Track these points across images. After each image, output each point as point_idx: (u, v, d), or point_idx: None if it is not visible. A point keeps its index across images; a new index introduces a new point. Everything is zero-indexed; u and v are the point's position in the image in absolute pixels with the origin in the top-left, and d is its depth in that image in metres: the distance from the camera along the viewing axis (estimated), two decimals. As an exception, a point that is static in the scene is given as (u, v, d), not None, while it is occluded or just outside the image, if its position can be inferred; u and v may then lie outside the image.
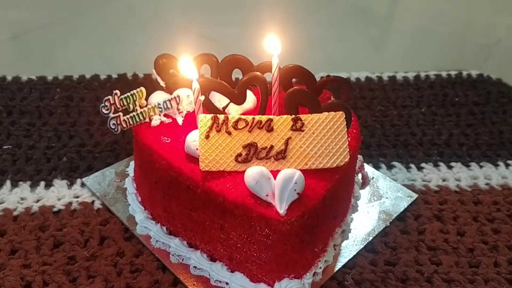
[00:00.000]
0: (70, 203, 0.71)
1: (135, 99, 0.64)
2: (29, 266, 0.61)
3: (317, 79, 0.68)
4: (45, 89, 0.91)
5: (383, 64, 1.36)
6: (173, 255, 0.63)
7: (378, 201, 0.73)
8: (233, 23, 1.56)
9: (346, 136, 0.59)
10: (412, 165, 0.82)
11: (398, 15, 1.76)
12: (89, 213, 0.69)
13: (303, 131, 0.59)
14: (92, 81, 0.94)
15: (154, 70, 0.68)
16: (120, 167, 0.76)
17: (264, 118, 0.59)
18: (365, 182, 0.76)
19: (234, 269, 0.60)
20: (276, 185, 0.54)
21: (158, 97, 0.66)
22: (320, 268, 0.61)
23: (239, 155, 0.57)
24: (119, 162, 0.77)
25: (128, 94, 0.64)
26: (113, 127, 0.65)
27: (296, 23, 1.56)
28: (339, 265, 0.63)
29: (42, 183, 0.73)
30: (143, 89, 0.64)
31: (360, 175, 0.76)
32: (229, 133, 0.58)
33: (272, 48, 0.62)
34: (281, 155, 0.58)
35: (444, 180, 0.79)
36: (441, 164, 0.82)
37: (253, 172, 0.54)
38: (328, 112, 0.60)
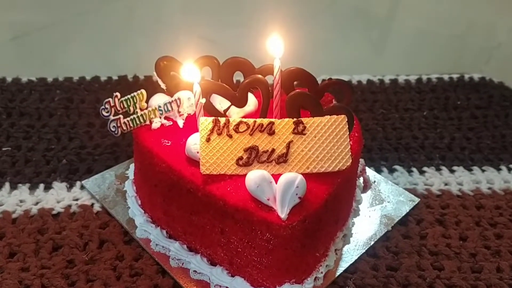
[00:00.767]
0: (70, 206, 0.70)
1: (135, 101, 0.64)
2: (27, 269, 0.61)
3: (319, 81, 0.67)
4: (45, 90, 0.91)
5: (383, 65, 1.35)
6: (173, 259, 0.62)
7: (379, 205, 0.73)
8: (233, 25, 1.56)
9: (348, 139, 0.59)
10: (414, 169, 0.81)
11: (398, 17, 1.76)
12: (89, 216, 0.68)
13: (304, 134, 0.59)
14: (92, 82, 0.93)
15: (154, 72, 0.67)
16: (120, 170, 0.76)
17: (265, 121, 0.59)
18: (366, 185, 0.76)
19: (234, 273, 0.59)
20: (278, 189, 0.53)
21: (159, 99, 0.66)
22: (321, 272, 0.60)
23: (240, 158, 0.57)
24: (119, 164, 0.77)
25: (129, 96, 0.64)
26: (113, 129, 0.64)
27: (296, 25, 1.55)
28: (340, 269, 0.63)
29: (42, 186, 0.73)
30: (143, 91, 0.64)
31: (361, 179, 0.75)
32: (230, 136, 0.58)
33: (275, 50, 0.61)
34: (283, 159, 0.57)
35: (446, 184, 0.79)
36: (443, 168, 0.82)
37: (254, 176, 0.54)
38: (330, 115, 0.60)
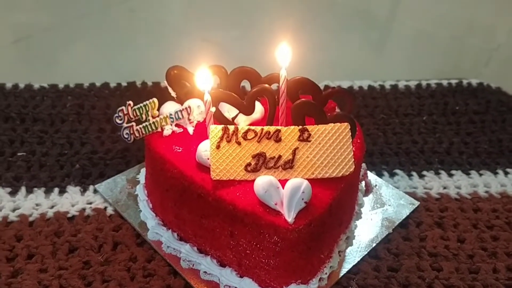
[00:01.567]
0: (84, 209, 0.73)
1: (147, 109, 0.67)
2: (45, 270, 0.64)
3: (322, 87, 0.70)
4: (57, 97, 0.94)
5: (383, 68, 1.38)
6: (183, 260, 0.65)
7: (381, 208, 0.76)
8: (237, 27, 1.58)
9: (351, 146, 0.62)
10: (414, 173, 0.84)
11: (398, 18, 1.78)
12: (102, 219, 0.71)
13: (309, 141, 0.62)
14: (102, 89, 0.96)
15: (165, 81, 0.70)
16: (131, 174, 0.79)
17: (272, 128, 0.62)
18: (368, 189, 0.79)
19: (243, 274, 0.62)
20: (285, 194, 0.56)
21: (170, 107, 0.68)
22: (326, 273, 0.63)
23: (249, 164, 0.60)
24: (130, 169, 0.80)
25: (141, 104, 0.67)
26: (126, 136, 0.67)
27: (300, 28, 1.58)
28: (343, 270, 0.66)
29: (56, 190, 0.76)
30: (155, 100, 0.67)
31: (363, 183, 0.78)
32: (239, 143, 0.61)
33: (282, 60, 0.64)
34: (289, 165, 0.60)
35: (444, 188, 0.82)
36: (442, 172, 0.85)
37: (262, 182, 0.57)
38: (333, 123, 0.63)
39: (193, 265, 0.65)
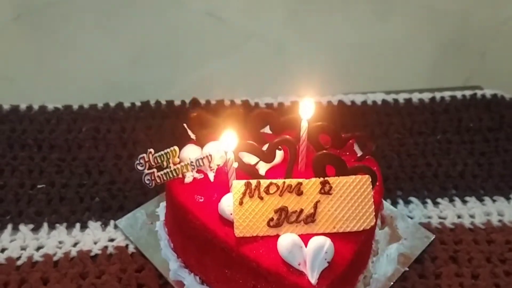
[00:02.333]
0: (106, 247, 0.74)
1: (168, 157, 0.67)
2: (73, 316, 0.66)
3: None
4: (72, 120, 0.93)
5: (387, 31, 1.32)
6: (207, 303, 0.68)
7: (396, 243, 0.77)
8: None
9: (372, 200, 0.62)
10: (429, 200, 0.85)
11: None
12: (125, 259, 0.73)
13: (331, 194, 0.62)
14: (116, 110, 0.96)
15: (185, 124, 0.71)
16: (150, 208, 0.80)
17: (294, 182, 0.62)
18: (384, 222, 0.80)
19: (265, 321, 0.64)
20: (308, 254, 0.58)
21: (190, 152, 0.69)
22: (345, 318, 0.66)
23: (271, 219, 0.61)
24: (149, 202, 0.81)
25: (162, 152, 0.67)
26: (147, 182, 0.68)
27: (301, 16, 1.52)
28: (361, 312, 0.68)
29: (78, 225, 0.77)
30: (176, 148, 0.67)
31: (379, 216, 0.79)
32: (261, 198, 0.61)
33: (305, 113, 0.65)
34: (311, 219, 0.61)
35: (459, 217, 0.83)
36: (456, 199, 0.86)
37: (286, 243, 0.58)
38: (354, 175, 0.63)
39: (216, 308, 0.67)
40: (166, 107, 0.98)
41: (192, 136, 0.71)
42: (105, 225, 0.78)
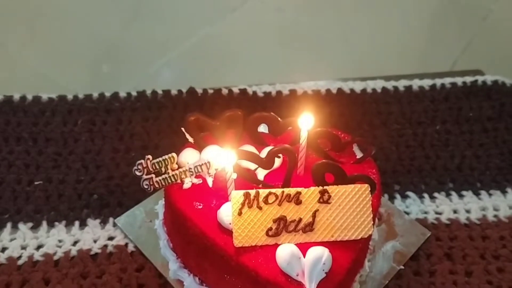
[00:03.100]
0: (106, 246, 0.75)
1: (167, 163, 0.66)
2: (76, 317, 0.67)
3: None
4: (67, 111, 0.92)
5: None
6: (206, 304, 0.69)
7: (392, 241, 0.78)
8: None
9: (370, 209, 0.63)
10: (426, 195, 0.86)
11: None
12: (125, 258, 0.74)
13: (329, 203, 0.63)
14: (112, 101, 0.94)
15: (183, 128, 0.70)
16: (149, 205, 0.80)
17: (293, 191, 0.62)
18: (381, 218, 0.81)
19: (264, 323, 0.66)
20: (306, 265, 0.59)
21: (189, 157, 0.68)
22: (341, 319, 0.67)
23: (270, 229, 0.61)
24: (147, 199, 0.81)
25: (160, 159, 0.66)
26: (146, 187, 0.68)
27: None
28: (357, 312, 0.70)
29: (77, 223, 0.78)
30: (174, 155, 0.67)
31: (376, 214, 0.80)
32: (260, 208, 0.61)
33: (304, 125, 0.64)
34: (309, 228, 0.62)
35: (455, 212, 0.84)
36: (453, 193, 0.86)
37: (284, 254, 0.59)
38: (353, 184, 0.63)
39: (215, 309, 0.69)
40: (162, 97, 0.96)
41: (190, 139, 0.70)
42: (104, 223, 0.78)
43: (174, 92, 0.97)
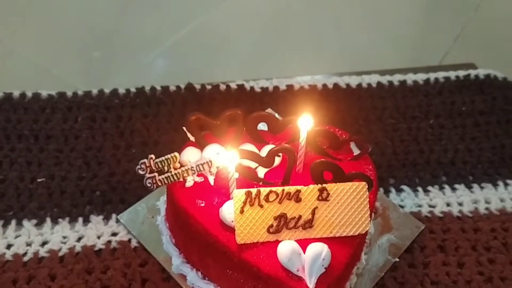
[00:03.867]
0: (109, 242, 0.77)
1: (169, 163, 0.68)
2: (83, 312, 0.69)
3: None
4: (67, 108, 0.93)
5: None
6: (208, 298, 0.71)
7: (388, 234, 0.80)
8: None
9: (368, 206, 0.65)
10: (420, 188, 0.88)
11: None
12: (128, 254, 0.76)
13: (328, 200, 0.65)
14: (111, 97, 0.95)
15: (184, 128, 0.71)
16: (151, 201, 0.82)
17: (292, 189, 0.64)
18: (376, 212, 0.83)
19: (265, 315, 0.69)
20: (306, 261, 0.61)
21: (190, 155, 0.70)
22: (339, 311, 0.70)
23: (271, 226, 0.63)
24: (149, 195, 0.82)
25: (163, 158, 0.68)
26: (149, 185, 0.69)
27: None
28: (355, 304, 0.73)
29: (80, 220, 0.79)
30: (176, 154, 0.68)
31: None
32: (261, 206, 0.64)
33: (303, 127, 0.66)
34: (309, 224, 0.64)
35: (448, 205, 0.86)
36: (446, 186, 0.89)
37: (285, 250, 0.61)
38: (351, 181, 0.65)
39: (218, 302, 0.71)
40: (161, 94, 0.97)
41: (192, 138, 0.72)
42: (107, 219, 0.80)
43: (172, 88, 0.98)
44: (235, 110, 0.71)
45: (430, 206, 0.86)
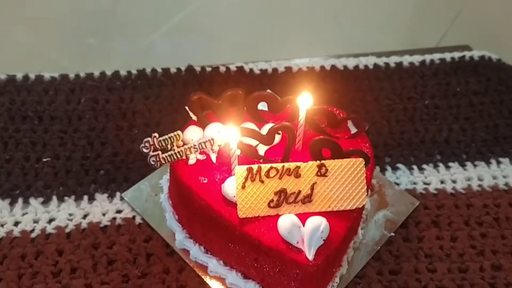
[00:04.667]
0: (114, 219, 0.79)
1: (172, 141, 0.70)
2: (90, 285, 0.72)
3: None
4: (70, 90, 0.95)
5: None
6: (211, 271, 0.74)
7: (384, 210, 0.83)
8: None
9: (365, 181, 0.67)
10: (415, 167, 0.91)
11: None
12: (133, 230, 0.78)
13: (326, 176, 0.67)
14: (113, 79, 0.97)
15: (186, 107, 0.73)
16: (154, 180, 0.84)
17: (292, 165, 0.67)
18: (373, 189, 0.86)
19: (265, 287, 0.71)
20: (305, 233, 0.63)
21: (193, 134, 0.72)
22: (337, 282, 0.73)
23: (271, 201, 0.66)
24: (152, 174, 0.84)
25: (166, 136, 0.70)
26: (153, 163, 0.71)
27: None
28: (352, 275, 0.75)
29: (85, 197, 0.82)
30: (179, 132, 0.70)
31: (369, 184, 0.85)
32: (262, 182, 0.66)
33: (303, 105, 0.68)
34: (308, 199, 0.67)
35: (442, 182, 0.89)
36: (440, 164, 0.91)
37: (286, 223, 0.64)
38: (348, 158, 0.68)
39: (219, 275, 0.74)
40: (162, 75, 0.99)
41: (194, 117, 0.74)
42: (111, 197, 0.82)
43: (173, 70, 1.00)
44: (236, 90, 0.73)
45: (425, 183, 0.89)
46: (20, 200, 0.81)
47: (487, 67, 1.09)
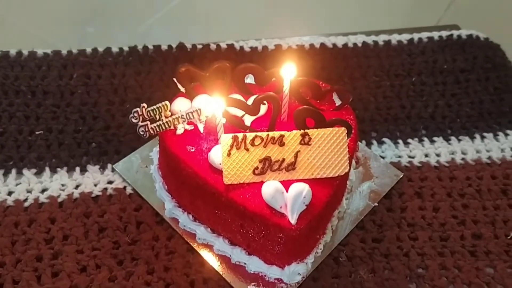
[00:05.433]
0: (106, 189, 0.82)
1: (160, 111, 0.72)
2: (81, 251, 0.74)
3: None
4: (62, 66, 0.96)
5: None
6: (199, 238, 0.76)
7: (369, 181, 0.86)
8: None
9: (347, 150, 0.69)
10: (400, 141, 0.93)
11: None
12: (124, 200, 0.80)
13: (310, 145, 0.69)
14: (105, 56, 0.99)
15: (174, 79, 0.75)
16: (144, 152, 0.86)
17: (277, 134, 0.69)
18: (358, 162, 0.88)
19: (251, 253, 0.74)
20: (288, 198, 0.66)
21: (181, 105, 0.74)
22: (321, 249, 0.75)
23: (256, 168, 0.68)
24: (142, 146, 0.87)
25: (155, 107, 0.72)
26: (142, 133, 0.73)
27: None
28: (336, 243, 0.78)
29: (78, 169, 0.84)
30: (167, 103, 0.72)
31: (354, 157, 0.87)
32: (247, 150, 0.68)
33: (286, 75, 0.70)
34: (291, 167, 0.69)
35: (426, 156, 0.91)
36: (425, 139, 0.93)
37: (269, 189, 0.66)
38: (332, 127, 0.70)
39: (207, 242, 0.76)
40: (153, 52, 1.00)
41: (182, 89, 0.76)
42: (103, 168, 0.84)
43: (164, 47, 1.02)
44: (224, 62, 0.75)
45: (410, 156, 0.91)
46: (13, 171, 0.83)
47: (474, 45, 1.11)
